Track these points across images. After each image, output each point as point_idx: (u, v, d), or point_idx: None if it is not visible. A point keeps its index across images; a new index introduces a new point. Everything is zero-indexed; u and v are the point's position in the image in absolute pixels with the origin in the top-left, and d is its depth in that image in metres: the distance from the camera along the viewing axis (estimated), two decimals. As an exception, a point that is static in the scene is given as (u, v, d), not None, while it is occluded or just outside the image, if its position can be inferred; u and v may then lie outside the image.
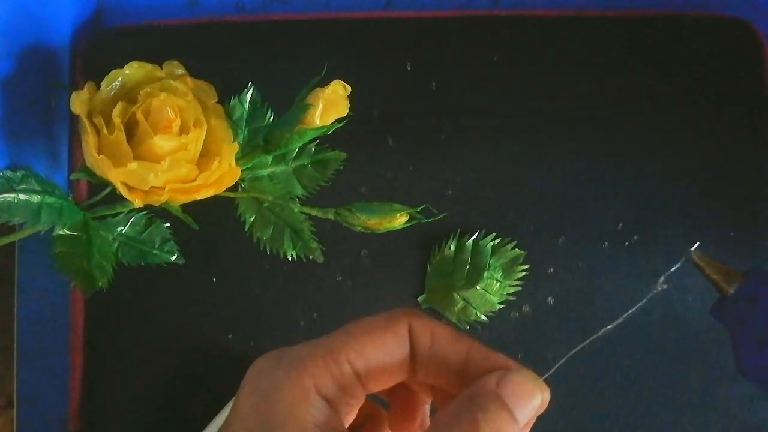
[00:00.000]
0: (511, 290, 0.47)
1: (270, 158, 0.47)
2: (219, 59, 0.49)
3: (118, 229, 0.47)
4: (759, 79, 0.49)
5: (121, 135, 0.42)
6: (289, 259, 0.47)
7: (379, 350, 0.27)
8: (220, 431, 0.27)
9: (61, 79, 0.48)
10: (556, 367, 0.28)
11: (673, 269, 0.30)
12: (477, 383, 0.26)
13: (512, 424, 0.25)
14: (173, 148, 0.42)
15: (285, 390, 0.26)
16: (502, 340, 0.47)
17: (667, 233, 0.48)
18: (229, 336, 0.47)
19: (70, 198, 0.47)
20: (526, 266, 0.47)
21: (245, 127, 0.47)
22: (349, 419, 0.28)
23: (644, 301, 0.29)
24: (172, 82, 0.44)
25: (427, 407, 0.31)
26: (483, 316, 0.47)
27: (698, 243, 0.32)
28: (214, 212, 0.47)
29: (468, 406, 0.25)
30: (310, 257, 0.47)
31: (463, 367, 0.27)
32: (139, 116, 0.42)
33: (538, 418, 0.27)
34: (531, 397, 0.26)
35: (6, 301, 0.50)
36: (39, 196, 0.45)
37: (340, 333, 0.27)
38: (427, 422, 0.31)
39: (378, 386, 0.28)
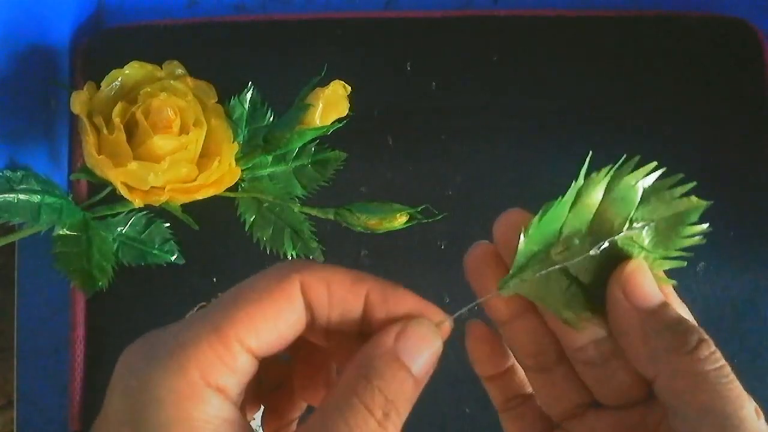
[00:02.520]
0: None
1: (270, 158, 0.47)
2: (219, 59, 0.49)
3: (118, 229, 0.47)
4: (759, 79, 0.49)
5: (121, 135, 0.42)
6: (289, 259, 0.47)
7: (272, 320, 0.24)
8: None
9: (61, 79, 0.48)
10: (468, 307, 0.27)
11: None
12: (373, 342, 0.25)
13: (409, 382, 0.24)
14: (173, 148, 0.42)
15: (166, 387, 0.22)
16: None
17: (667, 233, 0.48)
18: (229, 336, 0.47)
19: (70, 198, 0.47)
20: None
21: (245, 127, 0.47)
22: (244, 398, 0.25)
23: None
24: (172, 82, 0.44)
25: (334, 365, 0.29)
26: None
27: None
28: (214, 212, 0.47)
29: (364, 372, 0.24)
30: (310, 257, 0.47)
31: (363, 315, 0.26)
32: (139, 116, 0.42)
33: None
34: (430, 347, 0.25)
35: (6, 301, 0.50)
36: (39, 196, 0.45)
37: (223, 306, 0.24)
38: (334, 378, 0.29)
39: (274, 353, 0.25)
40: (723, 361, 0.24)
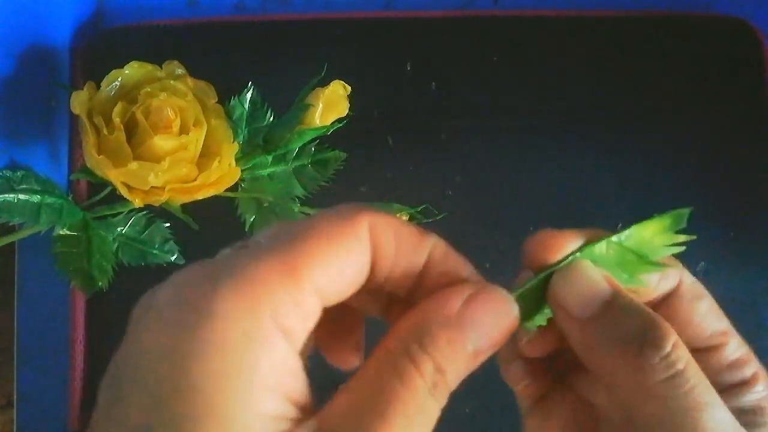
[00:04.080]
0: None
1: (270, 158, 0.47)
2: (219, 59, 0.49)
3: (118, 229, 0.47)
4: (759, 79, 0.49)
5: (121, 135, 0.42)
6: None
7: (342, 260, 0.21)
8: (109, 376, 0.20)
9: (61, 79, 0.48)
10: (528, 283, 0.24)
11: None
12: (436, 302, 0.22)
13: (467, 358, 0.21)
14: (173, 148, 0.42)
15: (232, 326, 0.19)
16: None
17: (667, 233, 0.48)
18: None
19: (70, 198, 0.47)
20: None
21: (245, 127, 0.47)
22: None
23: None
24: (172, 82, 0.44)
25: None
26: None
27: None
28: (214, 212, 0.47)
29: (418, 335, 0.21)
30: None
31: (424, 270, 0.23)
32: (139, 116, 0.42)
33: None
34: (503, 320, 0.22)
35: (6, 301, 0.50)
36: (39, 196, 0.45)
37: (293, 239, 0.21)
38: (361, 347, 0.26)
39: (333, 303, 0.22)
40: (678, 365, 0.22)
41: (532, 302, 0.24)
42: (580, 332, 0.23)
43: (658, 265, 0.24)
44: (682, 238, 0.24)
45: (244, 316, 0.19)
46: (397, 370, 0.20)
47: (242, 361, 0.19)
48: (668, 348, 0.22)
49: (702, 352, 0.25)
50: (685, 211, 0.24)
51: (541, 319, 0.25)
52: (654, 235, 0.24)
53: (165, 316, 0.20)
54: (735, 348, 0.25)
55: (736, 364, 0.25)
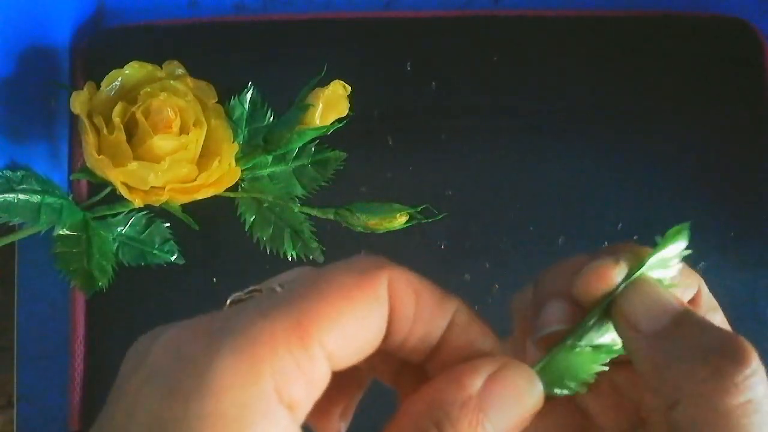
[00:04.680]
0: None
1: (270, 158, 0.47)
2: (219, 59, 0.49)
3: (118, 229, 0.47)
4: (759, 79, 0.49)
5: (121, 135, 0.42)
6: (289, 259, 0.47)
7: (359, 321, 0.19)
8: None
9: (61, 79, 0.48)
10: (550, 355, 0.23)
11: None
12: (454, 380, 0.20)
13: None
14: (173, 148, 0.42)
15: (230, 395, 0.17)
16: (502, 339, 0.47)
17: (667, 233, 0.48)
18: (229, 336, 0.47)
19: (70, 198, 0.47)
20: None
21: (245, 127, 0.47)
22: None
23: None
24: (172, 82, 0.44)
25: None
26: None
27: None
28: (214, 212, 0.47)
29: (435, 418, 0.19)
30: (310, 257, 0.47)
31: (443, 337, 0.21)
32: (139, 116, 0.42)
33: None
34: (524, 405, 0.20)
35: (6, 301, 0.50)
36: (39, 196, 0.45)
37: (304, 295, 0.19)
38: (349, 415, 0.24)
39: (342, 368, 0.20)
40: (750, 392, 0.20)
41: (563, 366, 0.23)
42: (647, 348, 0.22)
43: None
44: (682, 251, 0.24)
45: (244, 385, 0.17)
46: None
47: None
48: (752, 367, 0.20)
49: None
50: (685, 226, 0.23)
51: (574, 385, 0.23)
52: (663, 257, 0.23)
53: (158, 380, 0.18)
54: None
55: None
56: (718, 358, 0.20)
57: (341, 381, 0.21)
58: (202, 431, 0.17)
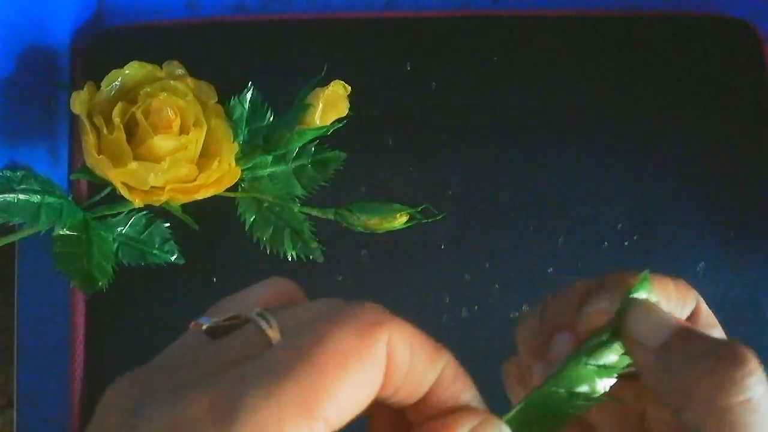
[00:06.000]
0: None
1: (270, 158, 0.47)
2: (219, 59, 0.49)
3: (118, 229, 0.47)
4: (759, 79, 0.49)
5: (121, 135, 0.42)
6: (289, 259, 0.47)
7: (359, 389, 0.19)
8: None
9: (61, 79, 0.48)
10: (515, 409, 0.24)
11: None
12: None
13: None
14: (173, 148, 0.42)
15: None
16: (503, 340, 0.47)
17: (667, 233, 0.48)
18: (229, 336, 0.47)
19: (70, 198, 0.47)
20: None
21: (245, 127, 0.47)
22: None
23: None
24: (172, 82, 0.44)
25: None
26: None
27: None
28: (214, 212, 0.47)
29: None
30: (310, 257, 0.47)
31: (431, 388, 0.22)
32: (139, 116, 0.42)
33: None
34: None
35: (6, 301, 0.50)
36: (39, 196, 0.45)
37: (308, 370, 0.19)
38: None
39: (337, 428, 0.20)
40: (749, 392, 0.21)
41: (541, 407, 0.25)
42: (654, 359, 0.24)
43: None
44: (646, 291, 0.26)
45: None
46: None
47: None
48: (749, 367, 0.22)
49: None
50: (645, 275, 0.25)
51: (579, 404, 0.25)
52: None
53: None
54: None
55: None
56: (717, 359, 0.22)
57: None
58: None
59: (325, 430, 0.19)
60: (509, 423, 0.23)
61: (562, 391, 0.25)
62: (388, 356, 0.20)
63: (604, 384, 0.25)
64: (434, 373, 0.21)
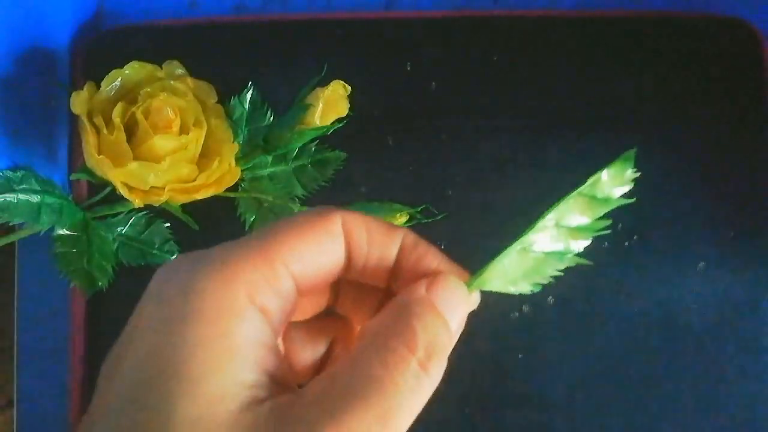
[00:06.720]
0: None
1: (270, 158, 0.47)
2: (219, 59, 0.49)
3: (118, 229, 0.47)
4: (759, 79, 0.49)
5: (121, 135, 0.42)
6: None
7: (315, 249, 0.24)
8: (111, 354, 0.25)
9: (61, 79, 0.48)
10: (487, 268, 0.27)
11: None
12: (407, 291, 0.25)
13: (447, 330, 0.24)
14: (173, 148, 0.42)
15: (209, 300, 0.21)
16: (502, 340, 0.47)
17: (667, 233, 0.48)
18: (229, 336, 0.47)
19: (70, 198, 0.47)
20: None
21: (245, 127, 0.47)
22: (281, 334, 0.25)
23: None
24: (172, 82, 0.44)
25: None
26: None
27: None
28: (214, 212, 0.47)
29: (402, 312, 0.24)
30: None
31: (396, 263, 0.26)
32: (139, 116, 0.42)
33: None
34: (460, 301, 0.25)
35: (6, 301, 0.50)
36: (39, 196, 0.45)
37: (270, 232, 0.24)
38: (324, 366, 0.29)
39: (310, 291, 0.25)
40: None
41: (517, 268, 0.27)
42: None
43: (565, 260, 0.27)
44: (629, 176, 0.27)
45: (219, 292, 0.21)
46: (382, 352, 0.22)
47: (216, 331, 0.21)
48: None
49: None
50: (631, 153, 0.27)
51: (529, 285, 0.27)
52: (606, 183, 0.27)
53: (155, 294, 0.23)
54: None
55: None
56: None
57: (326, 329, 0.28)
58: (187, 327, 0.21)
59: (287, 273, 0.23)
60: (482, 280, 0.26)
61: (537, 251, 0.27)
62: (346, 232, 0.25)
63: (579, 245, 0.27)
64: (394, 244, 0.25)
